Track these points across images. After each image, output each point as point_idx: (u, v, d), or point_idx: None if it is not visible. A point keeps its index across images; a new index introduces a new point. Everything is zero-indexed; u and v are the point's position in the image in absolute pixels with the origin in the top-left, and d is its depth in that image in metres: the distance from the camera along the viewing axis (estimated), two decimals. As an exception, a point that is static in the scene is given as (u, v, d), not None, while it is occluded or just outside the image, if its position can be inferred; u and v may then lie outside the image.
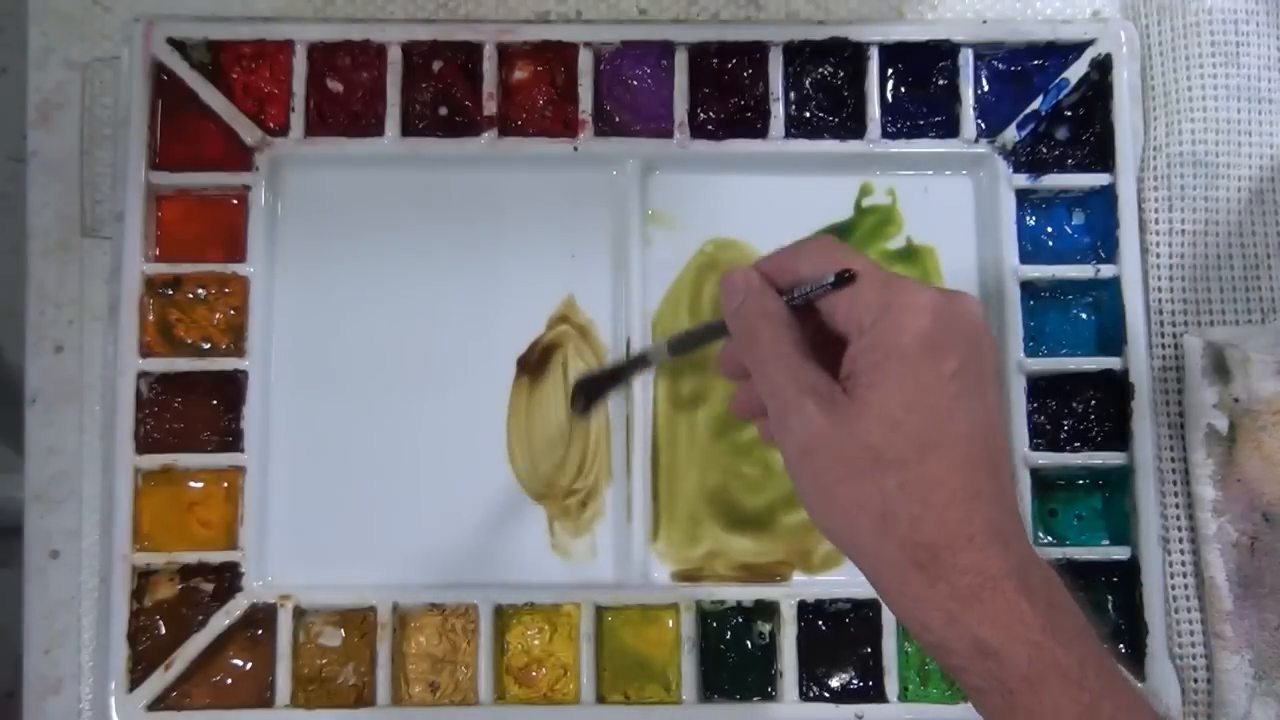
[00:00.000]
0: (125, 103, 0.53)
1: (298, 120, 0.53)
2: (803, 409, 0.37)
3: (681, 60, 0.54)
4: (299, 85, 0.53)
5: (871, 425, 0.36)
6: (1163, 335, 0.53)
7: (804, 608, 0.51)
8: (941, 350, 0.36)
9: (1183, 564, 0.51)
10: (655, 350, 0.47)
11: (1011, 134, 0.54)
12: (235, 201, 0.53)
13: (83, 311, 0.53)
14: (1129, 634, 0.51)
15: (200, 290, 0.53)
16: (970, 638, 0.35)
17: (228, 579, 0.51)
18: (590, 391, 0.50)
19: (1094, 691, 0.35)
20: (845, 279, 0.37)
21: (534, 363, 0.54)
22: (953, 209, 0.55)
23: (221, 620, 0.51)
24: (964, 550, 0.35)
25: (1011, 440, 0.52)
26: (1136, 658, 0.51)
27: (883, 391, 0.36)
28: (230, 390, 0.52)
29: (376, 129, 0.53)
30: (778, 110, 0.54)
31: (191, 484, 0.52)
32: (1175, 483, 0.52)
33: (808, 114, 0.55)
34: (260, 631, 0.51)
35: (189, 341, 0.53)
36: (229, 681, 0.51)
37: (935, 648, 0.36)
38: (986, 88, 0.55)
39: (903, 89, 0.55)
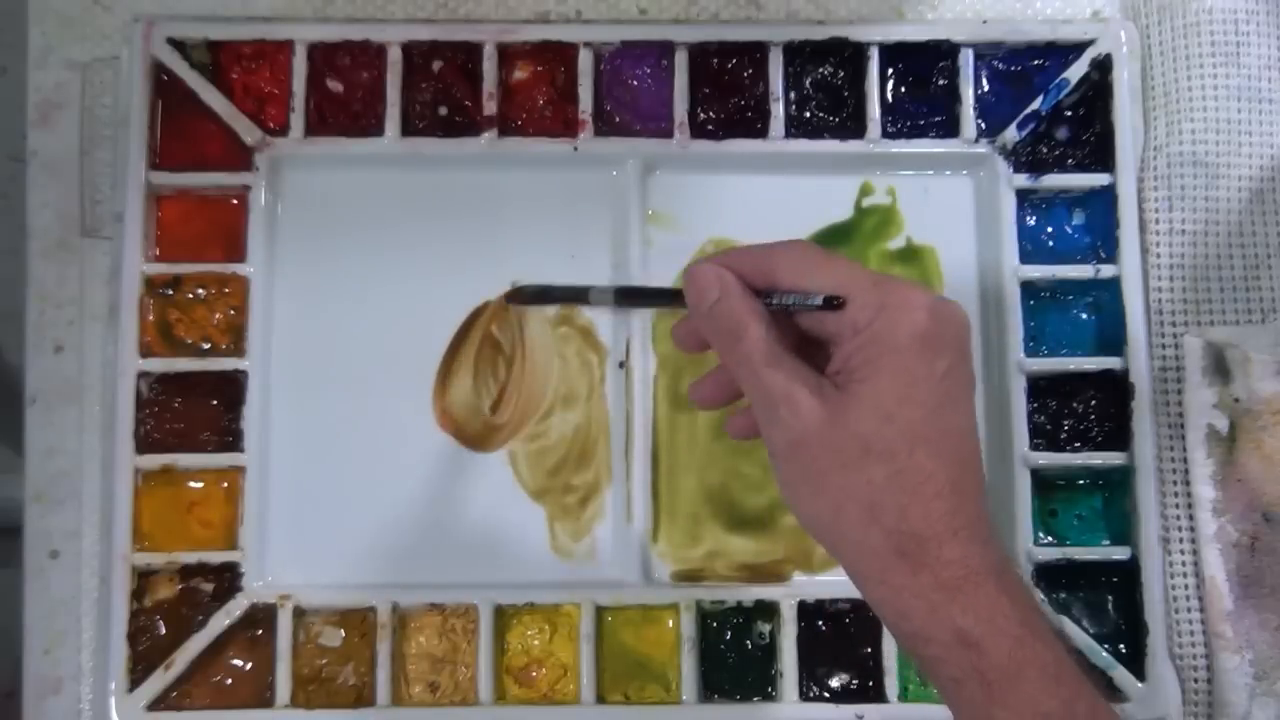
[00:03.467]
0: (125, 103, 0.53)
1: (298, 120, 0.53)
2: (794, 400, 0.37)
3: (681, 60, 0.54)
4: (299, 85, 0.53)
5: (864, 416, 0.36)
6: (1163, 335, 0.53)
7: (804, 608, 0.51)
8: (935, 349, 0.37)
9: (1183, 564, 0.51)
10: (600, 293, 0.47)
11: (1011, 134, 0.54)
12: (235, 201, 0.53)
13: (83, 311, 0.53)
14: (1129, 634, 0.51)
15: (200, 290, 0.53)
16: (952, 627, 0.35)
17: (228, 579, 0.51)
18: (525, 298, 0.53)
19: (1070, 688, 0.36)
20: (835, 304, 0.37)
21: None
22: (953, 209, 0.55)
23: (221, 620, 0.51)
24: (949, 542, 0.36)
25: (1012, 440, 0.52)
26: (1136, 658, 0.51)
27: (876, 384, 0.36)
28: (230, 390, 0.52)
29: (376, 129, 0.53)
30: (778, 110, 0.54)
31: (191, 484, 0.52)
32: (1175, 483, 0.52)
33: (808, 114, 0.55)
34: (260, 631, 0.51)
35: (189, 341, 0.53)
36: (229, 682, 0.51)
37: (912, 637, 0.37)
38: (986, 88, 0.55)
39: (903, 89, 0.55)
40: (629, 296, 0.49)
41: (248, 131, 0.53)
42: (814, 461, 0.37)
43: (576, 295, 0.52)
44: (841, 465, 0.36)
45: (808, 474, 0.37)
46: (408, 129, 0.54)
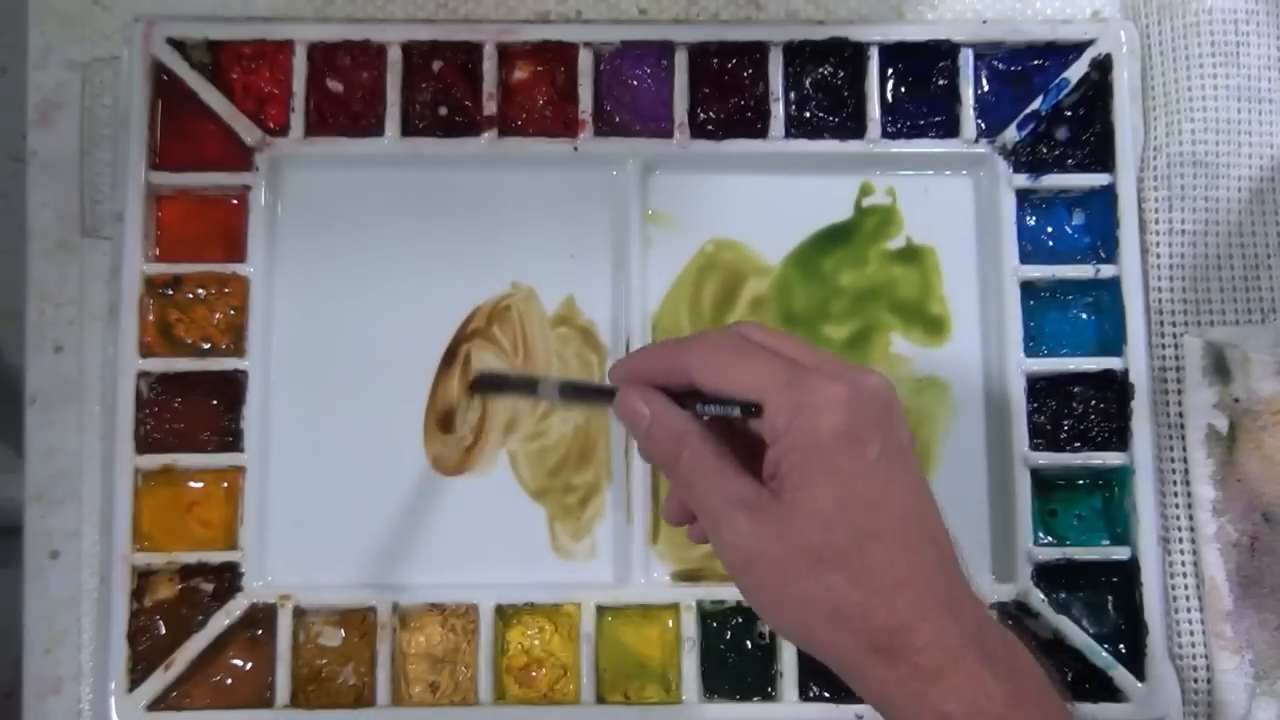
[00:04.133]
0: (125, 103, 0.53)
1: (298, 120, 0.53)
2: (734, 522, 0.36)
3: (681, 60, 0.54)
4: (299, 85, 0.53)
5: (807, 528, 0.36)
6: (1163, 335, 0.53)
7: (804, 608, 0.51)
8: (860, 437, 0.36)
9: (1183, 564, 0.51)
10: (547, 386, 0.46)
11: (1011, 134, 0.54)
12: (235, 201, 0.53)
13: (83, 311, 0.53)
14: (1129, 634, 0.51)
15: (200, 290, 0.53)
16: (937, 713, 0.35)
17: (228, 579, 0.51)
18: (486, 386, 0.52)
19: None
20: (752, 411, 0.37)
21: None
22: (953, 209, 0.55)
23: (221, 620, 0.51)
24: (919, 628, 0.35)
25: (1011, 440, 0.52)
26: (1136, 658, 0.51)
27: (811, 491, 0.36)
28: (230, 390, 0.52)
29: (376, 129, 0.53)
30: (778, 110, 0.54)
31: (191, 484, 0.52)
32: (1175, 483, 0.52)
33: (808, 114, 0.55)
34: (260, 631, 0.51)
35: (189, 341, 0.53)
36: (229, 682, 0.51)
37: None
38: (986, 88, 0.55)
39: (903, 89, 0.55)
40: (572, 391, 0.47)
41: (248, 131, 0.53)
42: (768, 578, 0.36)
43: (526, 386, 0.50)
44: (797, 578, 0.36)
45: (764, 589, 0.37)
46: (408, 129, 0.54)
